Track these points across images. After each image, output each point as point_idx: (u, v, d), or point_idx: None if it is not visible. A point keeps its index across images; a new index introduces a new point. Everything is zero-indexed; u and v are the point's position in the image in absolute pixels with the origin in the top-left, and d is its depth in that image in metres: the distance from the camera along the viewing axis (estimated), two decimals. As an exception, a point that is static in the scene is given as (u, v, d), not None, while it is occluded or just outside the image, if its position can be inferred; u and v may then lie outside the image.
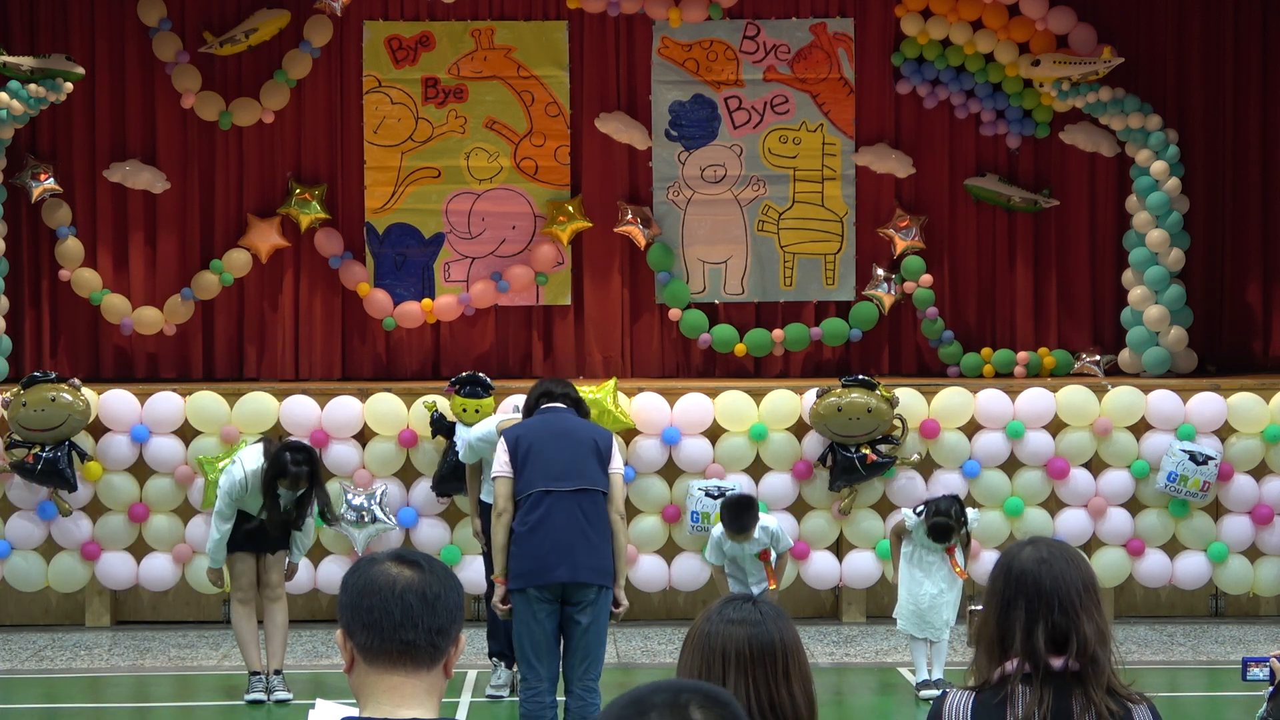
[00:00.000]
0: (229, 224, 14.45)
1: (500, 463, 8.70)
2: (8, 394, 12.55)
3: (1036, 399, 13.07)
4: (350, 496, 12.58)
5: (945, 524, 10.57)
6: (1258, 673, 5.33)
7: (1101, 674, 4.03)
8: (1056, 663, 4.02)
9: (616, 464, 8.77)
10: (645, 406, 12.95)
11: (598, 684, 8.66)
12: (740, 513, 10.54)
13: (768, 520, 10.65)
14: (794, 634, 3.87)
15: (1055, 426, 13.08)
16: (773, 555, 10.57)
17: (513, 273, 14.48)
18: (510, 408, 10.85)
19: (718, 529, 10.68)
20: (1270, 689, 5.12)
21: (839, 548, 13.04)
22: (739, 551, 10.57)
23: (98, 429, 12.81)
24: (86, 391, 12.61)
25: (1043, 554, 4.09)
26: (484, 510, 10.63)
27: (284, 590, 10.75)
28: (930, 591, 10.64)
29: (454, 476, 12.32)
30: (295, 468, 10.26)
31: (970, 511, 10.95)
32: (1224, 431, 13.05)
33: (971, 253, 14.76)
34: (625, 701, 2.77)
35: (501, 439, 8.82)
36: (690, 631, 3.92)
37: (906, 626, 10.74)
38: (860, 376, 12.95)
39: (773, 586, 10.55)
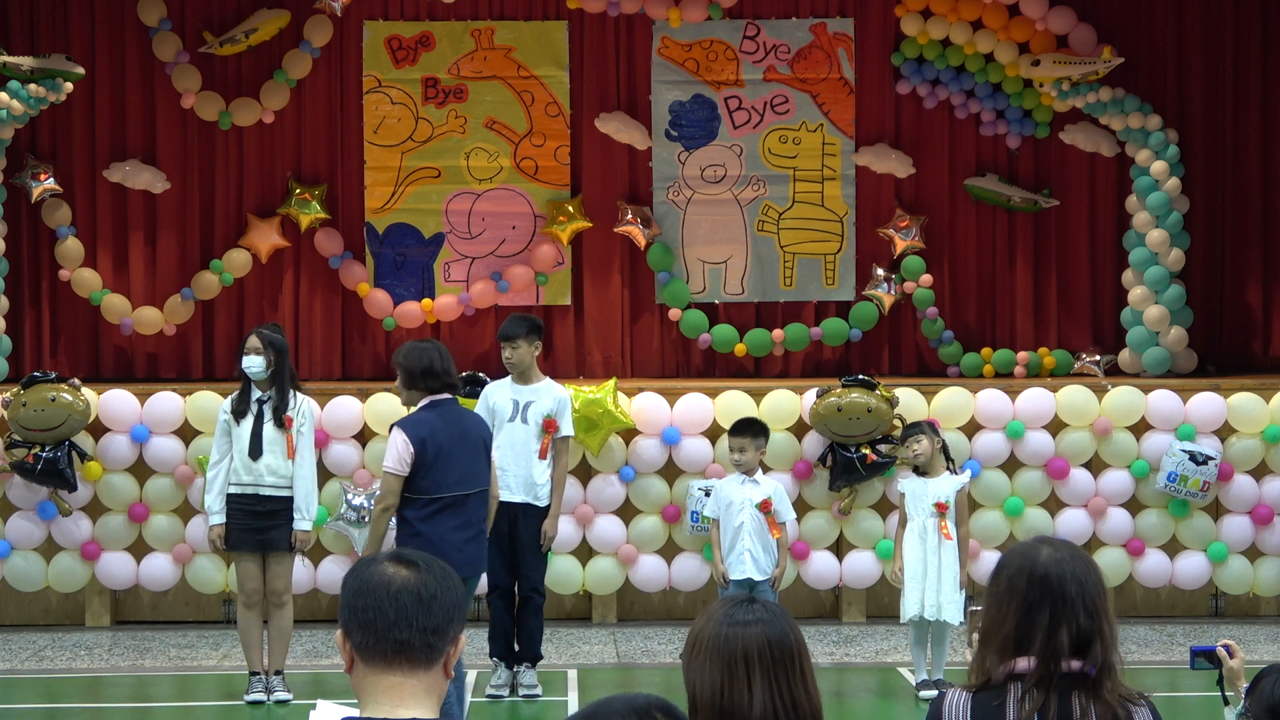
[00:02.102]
0: (229, 224, 14.45)
1: (400, 460, 9.16)
2: (8, 394, 12.54)
3: (1036, 399, 13.06)
4: (350, 496, 12.58)
5: (916, 423, 11.26)
6: (1205, 661, 5.33)
7: (1115, 676, 4.02)
8: (1072, 665, 4.01)
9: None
10: (645, 406, 12.94)
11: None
12: (750, 421, 11.02)
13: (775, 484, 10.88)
14: (800, 631, 3.84)
15: (1055, 426, 13.07)
16: (773, 507, 10.59)
17: (513, 273, 14.48)
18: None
19: (718, 482, 10.86)
20: (1243, 690, 5.11)
21: (839, 548, 13.03)
22: (734, 497, 10.56)
23: (98, 429, 12.80)
24: (86, 391, 12.60)
25: (1062, 555, 4.07)
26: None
27: (290, 597, 10.71)
28: (933, 561, 10.60)
29: (454, 476, 12.32)
30: (253, 331, 10.66)
31: (967, 470, 11.51)
32: (1224, 431, 13.05)
33: (971, 253, 14.75)
34: (583, 714, 2.78)
35: (404, 435, 9.19)
36: (695, 638, 3.77)
37: (915, 609, 10.60)
38: (860, 376, 12.95)
39: (777, 536, 10.56)
